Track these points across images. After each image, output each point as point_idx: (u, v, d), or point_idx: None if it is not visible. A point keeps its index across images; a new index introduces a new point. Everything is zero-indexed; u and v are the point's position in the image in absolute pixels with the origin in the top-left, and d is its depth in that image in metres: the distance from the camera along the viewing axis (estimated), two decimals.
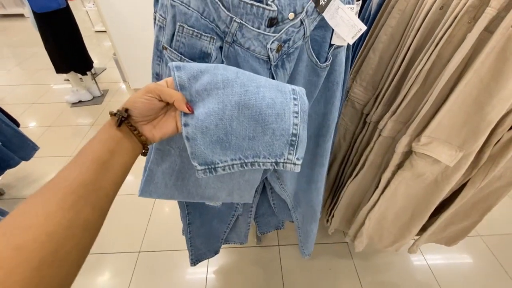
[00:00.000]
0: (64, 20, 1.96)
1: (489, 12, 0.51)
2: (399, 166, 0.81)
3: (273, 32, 0.43)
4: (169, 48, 0.43)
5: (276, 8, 0.41)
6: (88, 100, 2.47)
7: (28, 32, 4.10)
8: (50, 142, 2.06)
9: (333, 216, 1.16)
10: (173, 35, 0.42)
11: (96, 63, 3.10)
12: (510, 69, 0.53)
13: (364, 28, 0.49)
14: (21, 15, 4.74)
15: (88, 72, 2.34)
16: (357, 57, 0.87)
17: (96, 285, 1.25)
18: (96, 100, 2.49)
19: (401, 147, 0.75)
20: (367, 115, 0.87)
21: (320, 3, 0.44)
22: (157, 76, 0.49)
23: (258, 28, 0.42)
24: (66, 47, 2.06)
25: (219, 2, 0.40)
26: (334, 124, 0.63)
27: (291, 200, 0.84)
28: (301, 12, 0.44)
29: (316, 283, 1.27)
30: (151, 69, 0.49)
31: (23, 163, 1.62)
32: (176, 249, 1.39)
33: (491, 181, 0.86)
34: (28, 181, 1.78)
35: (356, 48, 0.94)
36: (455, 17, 0.57)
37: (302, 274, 1.31)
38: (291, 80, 0.53)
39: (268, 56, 0.45)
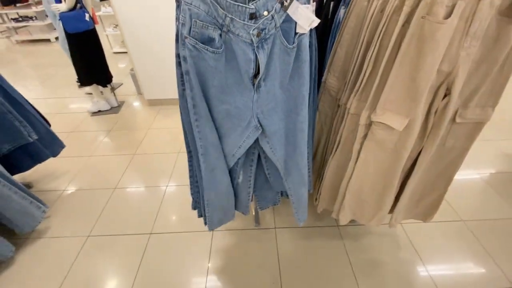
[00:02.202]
0: (91, 40, 2.29)
1: (405, 10, 0.73)
2: (365, 137, 1.00)
3: (254, 23, 0.66)
4: (189, 36, 0.66)
5: (254, 7, 0.64)
6: (107, 110, 2.75)
7: (53, 55, 4.55)
8: (73, 145, 2.32)
9: (320, 193, 1.33)
10: (190, 27, 0.65)
11: (114, 79, 3.44)
12: (426, 49, 0.74)
13: (316, 19, 0.71)
14: (47, 40, 5.26)
15: (108, 85, 2.64)
16: (330, 54, 1.10)
17: (109, 265, 1.42)
18: (114, 110, 2.77)
19: (363, 119, 0.95)
20: (340, 99, 1.08)
21: (284, 4, 0.67)
22: (179, 58, 0.72)
23: (243, 21, 0.65)
24: (91, 63, 2.38)
25: (217, 5, 0.63)
26: (307, 94, 0.84)
27: (282, 166, 1.02)
28: (272, 10, 0.67)
29: (308, 261, 1.41)
30: (174, 52, 0.72)
31: (49, 161, 1.85)
32: (186, 230, 1.56)
33: (447, 152, 1.05)
34: (53, 177, 2.01)
35: (331, 48, 1.18)
36: (388, 15, 0.79)
37: (296, 253, 1.46)
38: (269, 60, 0.75)
39: (252, 40, 0.68)
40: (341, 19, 1.09)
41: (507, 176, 1.93)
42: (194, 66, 0.70)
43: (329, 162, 1.20)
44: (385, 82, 0.86)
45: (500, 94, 0.88)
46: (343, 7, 1.08)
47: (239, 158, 0.93)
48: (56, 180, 1.99)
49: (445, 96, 0.86)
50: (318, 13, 1.28)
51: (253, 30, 0.66)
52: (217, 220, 1.11)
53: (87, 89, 2.97)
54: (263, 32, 0.69)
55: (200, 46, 0.67)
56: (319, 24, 1.27)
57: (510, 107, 2.72)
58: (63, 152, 1.92)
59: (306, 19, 0.69)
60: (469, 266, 1.37)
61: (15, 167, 1.64)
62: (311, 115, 1.01)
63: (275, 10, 0.67)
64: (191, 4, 0.63)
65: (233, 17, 0.65)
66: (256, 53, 0.70)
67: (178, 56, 0.71)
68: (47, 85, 3.49)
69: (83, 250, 1.48)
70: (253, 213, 1.61)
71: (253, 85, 0.77)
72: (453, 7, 0.69)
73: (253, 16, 0.65)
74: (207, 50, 0.67)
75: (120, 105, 2.86)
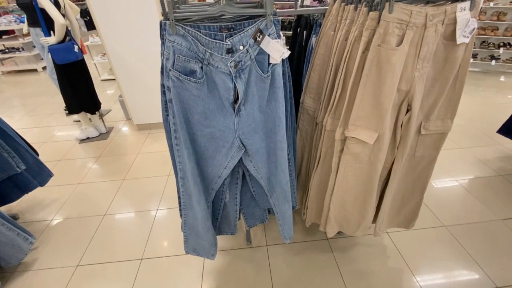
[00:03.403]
0: (80, 69, 2.36)
1: (364, 39, 0.84)
2: (342, 151, 1.08)
3: (231, 57, 0.75)
4: (172, 69, 0.74)
5: (230, 43, 0.72)
6: (95, 136, 2.77)
7: (40, 84, 4.58)
8: (61, 173, 2.31)
9: (307, 208, 1.39)
10: (174, 61, 0.73)
11: (103, 106, 3.49)
12: (385, 72, 0.84)
13: (286, 52, 0.80)
14: (34, 70, 5.30)
15: (96, 112, 2.69)
16: (306, 77, 1.20)
17: None
18: (103, 136, 2.80)
19: (338, 135, 1.03)
20: (317, 117, 1.17)
21: (257, 39, 0.76)
22: (164, 87, 0.79)
23: (222, 55, 0.74)
24: (80, 91, 2.43)
25: (198, 42, 0.72)
26: (284, 117, 0.92)
27: (266, 184, 1.08)
28: (247, 45, 0.76)
29: (301, 276, 1.43)
30: (160, 82, 0.79)
31: (36, 190, 1.84)
32: (177, 254, 1.56)
33: (418, 161, 1.14)
34: (41, 207, 1.99)
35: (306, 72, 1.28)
36: (351, 44, 0.90)
37: (288, 269, 1.48)
38: (247, 87, 0.83)
39: (230, 71, 0.76)
40: (313, 46, 1.20)
41: (483, 181, 2.04)
42: (177, 95, 0.77)
43: (312, 176, 1.27)
44: (354, 102, 0.95)
45: (456, 108, 0.98)
46: (314, 35, 1.20)
47: (225, 179, 0.99)
48: (44, 210, 1.97)
49: (407, 111, 0.96)
50: (293, 41, 1.40)
51: (231, 62, 0.75)
52: (192, 246, 1.14)
53: (75, 116, 3.00)
54: (240, 64, 0.77)
55: (183, 77, 0.74)
56: (296, 50, 1.39)
57: (480, 116, 2.92)
58: (51, 181, 1.92)
59: (277, 51, 0.78)
60: (454, 270, 1.42)
61: (3, 198, 1.63)
62: (291, 135, 1.08)
63: (250, 44, 0.76)
64: (174, 42, 0.71)
65: (212, 52, 0.73)
66: (235, 82, 0.78)
67: (162, 86, 0.79)
68: (34, 114, 3.49)
69: (72, 281, 1.45)
70: (245, 232, 1.63)
71: (234, 109, 0.85)
72: (403, 36, 0.80)
73: (230, 51, 0.74)
74: (189, 80, 0.75)
75: (109, 131, 2.89)
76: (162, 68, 0.76)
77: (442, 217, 1.74)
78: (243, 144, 0.91)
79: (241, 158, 0.95)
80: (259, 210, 1.30)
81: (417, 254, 1.51)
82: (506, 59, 4.12)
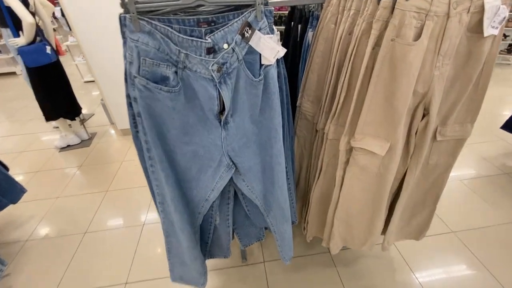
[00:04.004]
0: (54, 73, 2.16)
1: (374, 32, 0.69)
2: (347, 163, 0.94)
3: (212, 58, 0.60)
4: (138, 76, 0.58)
5: (211, 41, 0.57)
6: (77, 144, 2.58)
7: (20, 88, 4.32)
8: (38, 186, 2.12)
9: (307, 222, 1.25)
10: (139, 66, 0.58)
11: (85, 110, 3.28)
12: (400, 71, 0.70)
13: (282, 50, 0.66)
14: (13, 73, 5.01)
15: (76, 118, 2.49)
16: (303, 78, 1.05)
17: None
18: (84, 143, 2.60)
19: (343, 145, 0.89)
20: (317, 123, 1.03)
21: (245, 35, 0.61)
22: (129, 98, 0.63)
23: (200, 56, 0.58)
24: (56, 96, 2.23)
25: (169, 40, 0.56)
26: (281, 127, 0.77)
27: (262, 203, 0.94)
28: (232, 43, 0.61)
29: None
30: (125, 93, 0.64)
31: (11, 207, 1.67)
32: (166, 276, 1.41)
33: (431, 170, 1.01)
34: (15, 226, 1.80)
35: (303, 71, 1.14)
36: (357, 38, 0.76)
37: (288, 286, 1.35)
38: (235, 94, 0.68)
39: (212, 76, 0.61)
40: (310, 42, 1.05)
41: (487, 180, 1.94)
42: (147, 108, 0.62)
43: (313, 189, 1.13)
44: (361, 107, 0.81)
45: (477, 110, 0.85)
46: (310, 29, 1.05)
47: (213, 201, 0.84)
48: (19, 229, 1.79)
49: (423, 116, 0.82)
50: (286, 36, 1.25)
51: (213, 65, 0.59)
52: (178, 275, 0.99)
53: (54, 123, 2.79)
54: (225, 66, 0.62)
55: (152, 86, 0.59)
56: (289, 48, 1.24)
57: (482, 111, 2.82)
58: (27, 196, 1.75)
59: (270, 50, 0.63)
60: (466, 281, 1.31)
61: None
62: (288, 145, 0.94)
63: (236, 42, 0.61)
64: (138, 41, 0.55)
65: (189, 53, 0.57)
66: (219, 89, 0.63)
67: (128, 96, 0.63)
68: (13, 120, 3.26)
69: None
70: (240, 249, 1.49)
71: (220, 122, 0.70)
72: (421, 28, 0.66)
73: (211, 51, 0.58)
74: (160, 90, 0.59)
75: (91, 137, 2.69)
76: (125, 74, 0.61)
77: (449, 222, 1.63)
78: (233, 162, 0.76)
79: (231, 177, 0.80)
80: (255, 229, 1.16)
81: (427, 265, 1.40)
82: (501, 50, 4.05)
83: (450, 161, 0.97)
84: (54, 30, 4.87)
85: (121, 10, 0.54)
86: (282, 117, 0.80)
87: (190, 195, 0.82)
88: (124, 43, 0.58)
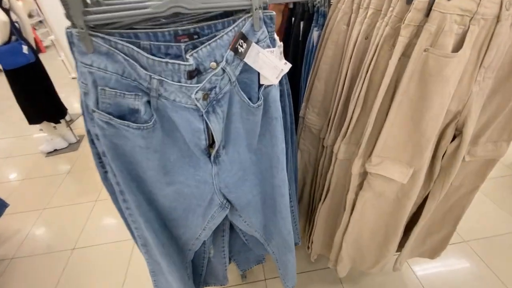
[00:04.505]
0: (34, 74, 1.98)
1: (402, 40, 0.55)
2: (360, 186, 0.81)
3: (196, 83, 0.45)
4: (97, 110, 0.44)
5: (193, 61, 0.43)
6: (64, 148, 2.43)
7: (5, 87, 4.10)
8: (23, 197, 1.99)
9: (312, 242, 1.14)
10: (97, 98, 0.43)
11: (74, 108, 3.10)
12: (432, 89, 0.57)
13: (286, 66, 0.51)
14: None
15: (62, 120, 2.33)
16: (307, 85, 0.91)
17: None
18: (72, 146, 2.45)
19: (356, 169, 0.76)
20: (324, 139, 0.90)
21: (239, 51, 0.47)
22: (89, 134, 0.49)
23: (179, 82, 0.44)
24: (37, 99, 2.07)
25: (136, 63, 0.42)
26: (284, 154, 0.64)
27: (261, 234, 0.82)
28: (222, 61, 0.46)
29: None
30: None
31: None
32: None
33: (453, 191, 0.88)
34: (0, 241, 1.68)
35: (306, 75, 0.99)
36: (377, 46, 0.61)
37: None
38: (228, 122, 0.54)
39: (197, 106, 0.47)
40: (314, 43, 0.90)
41: (499, 182, 1.83)
42: (113, 148, 0.48)
43: (319, 209, 1.01)
44: (380, 127, 0.67)
45: None
46: (315, 28, 0.89)
47: (206, 239, 0.71)
48: (3, 245, 1.67)
49: (454, 137, 0.69)
50: (286, 34, 1.10)
51: (196, 92, 0.45)
52: None
53: (39, 125, 2.62)
54: (213, 92, 0.48)
55: (117, 122, 0.45)
56: (290, 46, 1.09)
57: None
58: (12, 208, 1.62)
59: (271, 68, 0.49)
60: None
61: None
62: (292, 167, 0.81)
63: (227, 60, 0.46)
64: (92, 65, 0.41)
65: (163, 79, 0.43)
66: (207, 120, 0.49)
67: (88, 132, 0.49)
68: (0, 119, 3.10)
69: None
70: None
71: (210, 156, 0.56)
72: (464, 34, 0.52)
73: (193, 74, 0.44)
74: (128, 127, 0.45)
75: (79, 140, 2.54)
76: (81, 106, 0.46)
77: (460, 229, 1.53)
78: (227, 199, 0.63)
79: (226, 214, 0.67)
80: (254, 254, 1.04)
81: (440, 281, 1.30)
82: None
83: (478, 182, 0.84)
84: (41, 22, 4.61)
85: None
86: (286, 141, 0.67)
87: (177, 233, 0.69)
88: (76, 66, 0.43)
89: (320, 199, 0.99)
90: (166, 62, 0.41)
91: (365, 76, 0.66)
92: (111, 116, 0.44)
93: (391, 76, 0.59)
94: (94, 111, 0.44)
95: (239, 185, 0.63)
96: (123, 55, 0.41)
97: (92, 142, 0.50)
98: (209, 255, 0.84)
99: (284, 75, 0.63)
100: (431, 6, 0.49)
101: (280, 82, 0.58)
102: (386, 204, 0.82)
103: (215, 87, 0.47)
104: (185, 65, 0.42)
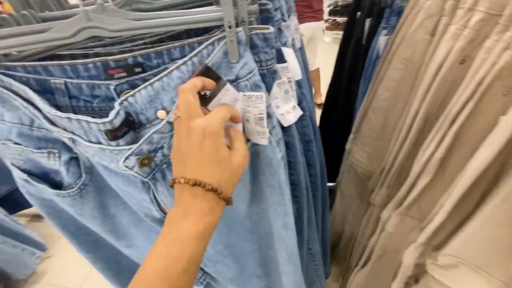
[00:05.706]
0: None
1: None
2: (416, 279, 0.54)
3: (127, 144, 0.29)
4: (11, 165, 0.33)
5: (112, 117, 0.26)
6: None
7: None
8: None
9: None
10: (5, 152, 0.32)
11: None
12: None
13: (289, 119, 0.30)
14: None
15: None
16: (359, 113, 0.65)
17: None
18: None
19: (410, 259, 0.49)
20: (373, 191, 0.63)
21: (205, 95, 0.28)
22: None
23: (99, 143, 0.28)
24: None
25: (38, 113, 0.28)
26: (292, 228, 0.43)
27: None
28: (172, 111, 0.28)
29: None
30: None
31: None
32: None
33: None
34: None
35: (364, 93, 0.72)
36: (481, 82, 0.33)
37: None
38: None
39: (135, 173, 0.31)
40: (379, 52, 0.62)
41: None
42: (44, 208, 0.37)
43: (354, 272, 0.76)
44: (466, 212, 0.39)
45: None
46: (384, 31, 0.61)
47: None
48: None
49: None
50: (346, 35, 0.82)
51: (127, 159, 0.29)
52: None
53: None
54: (159, 154, 0.31)
55: (36, 181, 0.33)
56: (347, 54, 0.81)
57: None
58: None
59: (259, 121, 0.29)
60: None
61: (15, 206, 1.59)
62: (314, 227, 0.59)
63: None
64: None
65: (75, 138, 0.28)
66: (154, 191, 0.33)
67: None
68: None
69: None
70: None
71: None
72: None
73: (117, 134, 0.28)
74: (47, 190, 0.33)
75: None
76: None
77: None
78: (206, 272, 0.48)
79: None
80: None
81: None
82: None
83: None
84: None
85: None
86: (308, 206, 0.46)
87: None
88: None
89: (357, 263, 0.75)
90: (69, 118, 0.26)
91: (449, 128, 0.38)
92: (29, 176, 0.32)
93: (501, 144, 0.31)
94: (12, 164, 0.33)
95: (218, 260, 0.46)
96: (20, 100, 0.27)
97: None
98: None
99: (309, 117, 0.41)
100: None
101: (288, 132, 0.37)
102: None
103: (161, 147, 0.30)
104: (98, 123, 0.26)
